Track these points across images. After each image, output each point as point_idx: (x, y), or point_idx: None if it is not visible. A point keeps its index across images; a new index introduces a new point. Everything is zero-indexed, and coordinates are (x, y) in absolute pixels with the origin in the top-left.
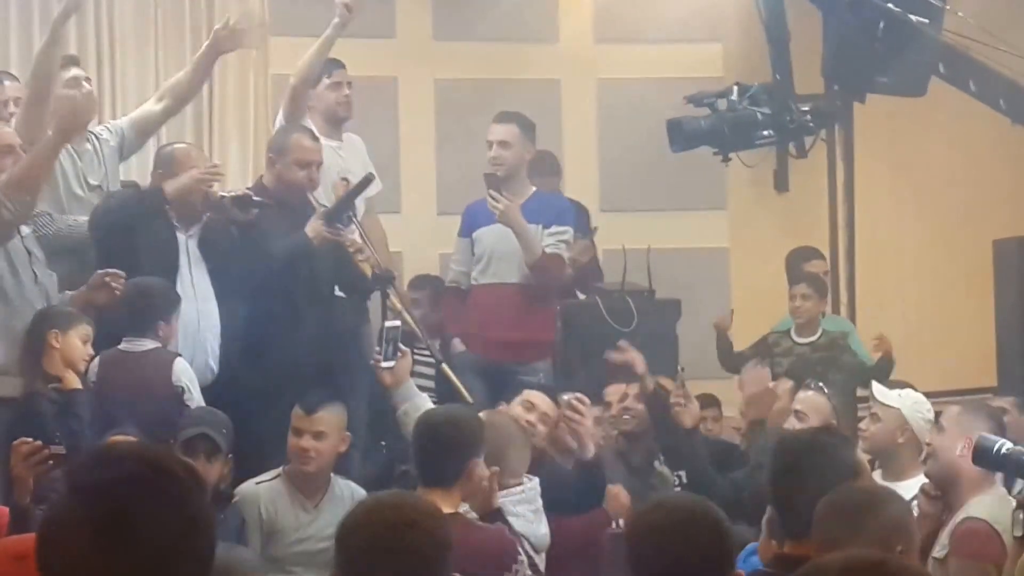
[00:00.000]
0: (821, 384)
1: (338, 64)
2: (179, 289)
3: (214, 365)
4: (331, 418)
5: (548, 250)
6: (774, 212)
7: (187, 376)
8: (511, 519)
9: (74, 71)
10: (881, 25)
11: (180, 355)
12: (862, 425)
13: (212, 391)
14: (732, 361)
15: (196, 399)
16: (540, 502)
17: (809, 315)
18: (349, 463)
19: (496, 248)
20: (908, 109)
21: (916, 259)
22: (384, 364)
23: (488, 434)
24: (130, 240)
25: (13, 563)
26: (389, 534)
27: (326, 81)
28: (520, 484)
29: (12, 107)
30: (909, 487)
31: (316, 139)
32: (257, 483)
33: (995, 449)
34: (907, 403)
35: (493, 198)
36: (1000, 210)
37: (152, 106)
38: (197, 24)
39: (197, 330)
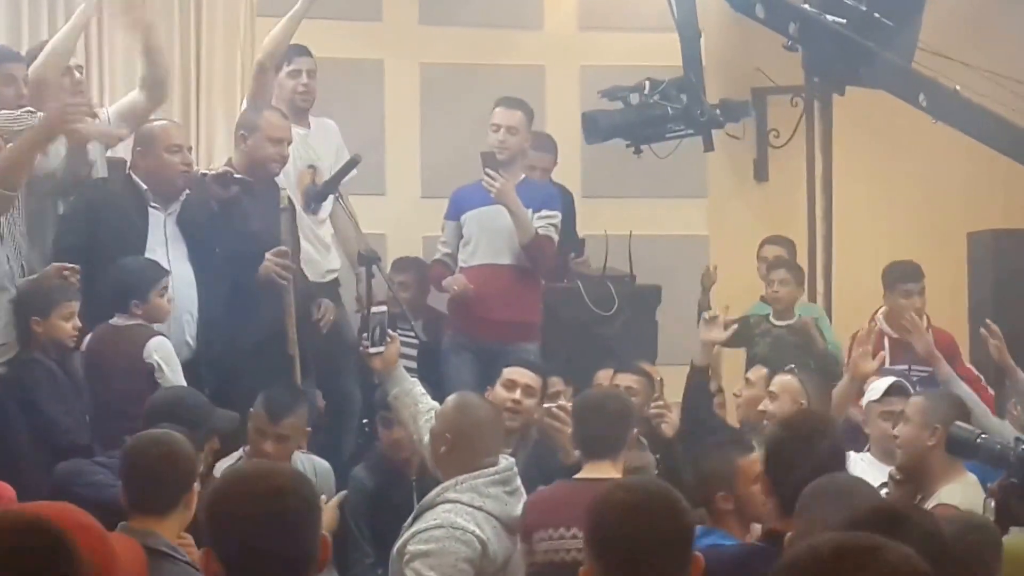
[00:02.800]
0: (793, 367)
1: (301, 51)
2: None
3: (191, 341)
4: (294, 423)
5: (540, 232)
6: (753, 201)
7: (161, 353)
8: (483, 500)
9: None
10: (794, 25)
11: (162, 334)
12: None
13: (190, 367)
14: None
15: (168, 378)
16: (518, 482)
17: (786, 301)
18: (342, 445)
19: (486, 230)
20: (887, 101)
21: (892, 250)
22: (372, 350)
23: (457, 416)
24: (96, 224)
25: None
26: (260, 503)
27: (286, 68)
28: (493, 465)
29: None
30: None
31: (286, 117)
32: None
33: (971, 439)
34: None
35: (490, 176)
36: (975, 202)
37: (137, 95)
38: (185, 13)
39: (173, 306)
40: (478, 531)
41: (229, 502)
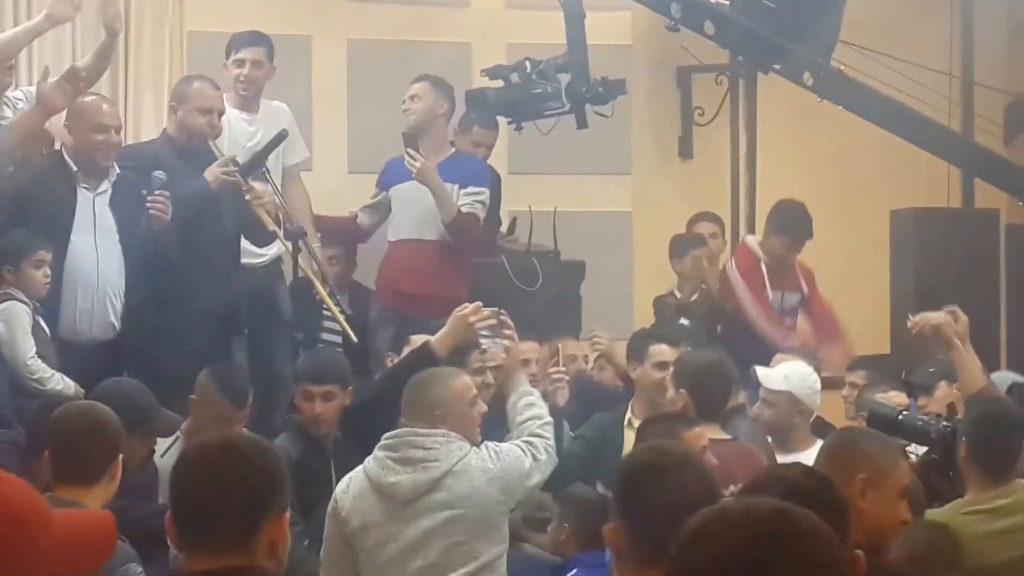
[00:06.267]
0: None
1: (251, 40)
2: (79, 248)
3: (115, 322)
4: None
5: (464, 209)
6: (678, 178)
7: (4, 316)
8: (370, 461)
9: None
10: (676, 5)
11: (20, 300)
12: (755, 410)
13: (117, 343)
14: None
15: (4, 339)
16: (419, 454)
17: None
18: (271, 421)
19: (412, 205)
20: None
21: (815, 227)
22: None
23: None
24: (23, 199)
25: None
26: (216, 472)
27: (233, 56)
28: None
29: None
30: (809, 458)
31: (217, 88)
32: (161, 456)
33: (892, 415)
34: (795, 382)
35: (411, 156)
36: (898, 181)
37: None
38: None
39: (96, 288)
40: (339, 488)
41: (177, 469)
